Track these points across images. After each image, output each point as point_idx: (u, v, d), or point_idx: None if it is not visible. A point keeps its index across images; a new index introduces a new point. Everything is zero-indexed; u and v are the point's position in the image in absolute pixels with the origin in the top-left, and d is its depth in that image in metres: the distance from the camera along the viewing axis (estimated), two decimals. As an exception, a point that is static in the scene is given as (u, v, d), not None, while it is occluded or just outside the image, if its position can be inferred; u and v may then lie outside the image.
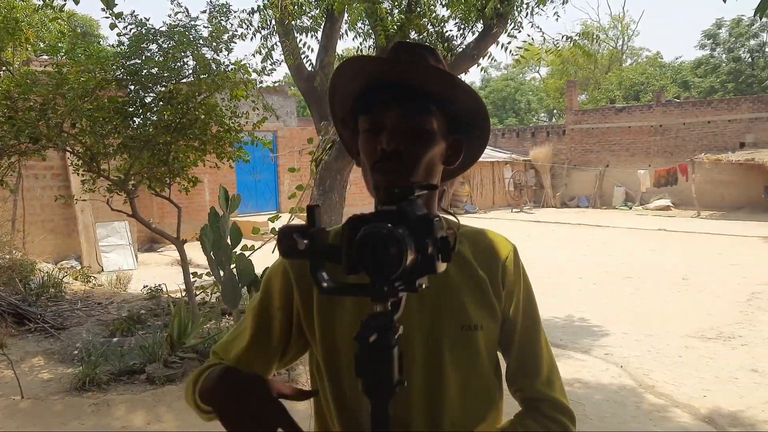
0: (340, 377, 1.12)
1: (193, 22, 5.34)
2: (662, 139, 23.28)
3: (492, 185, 25.47)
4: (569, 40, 5.64)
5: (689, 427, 4.88)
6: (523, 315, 1.19)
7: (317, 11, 6.41)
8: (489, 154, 26.34)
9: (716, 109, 22.09)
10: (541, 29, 5.76)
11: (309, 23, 6.55)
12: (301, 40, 6.25)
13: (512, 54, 5.74)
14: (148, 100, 5.58)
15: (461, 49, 5.53)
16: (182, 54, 5.22)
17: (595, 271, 11.27)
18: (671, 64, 39.01)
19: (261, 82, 6.61)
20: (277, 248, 0.90)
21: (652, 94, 28.68)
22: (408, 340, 1.04)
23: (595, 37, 5.86)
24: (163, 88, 5.45)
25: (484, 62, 6.13)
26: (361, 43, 5.69)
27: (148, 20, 5.42)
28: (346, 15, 6.16)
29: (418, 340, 1.10)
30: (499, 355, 1.24)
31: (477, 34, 5.65)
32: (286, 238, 0.87)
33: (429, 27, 5.64)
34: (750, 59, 31.38)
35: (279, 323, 1.19)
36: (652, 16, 64.69)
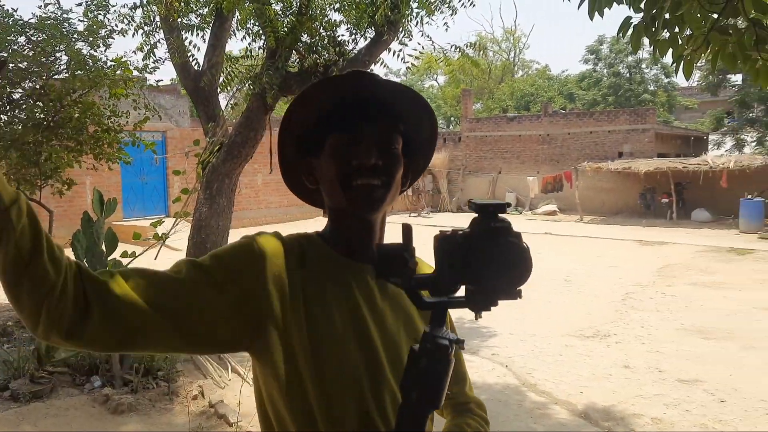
0: (328, 383, 1.05)
1: (66, 15, 5.00)
2: (549, 147, 24.49)
3: (390, 190, 25.77)
4: (458, 50, 5.78)
5: (566, 423, 5.12)
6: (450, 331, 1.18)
7: (206, 10, 6.21)
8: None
9: (597, 121, 23.53)
10: (431, 38, 5.87)
11: (197, 21, 6.33)
12: (187, 38, 6.03)
13: (404, 61, 5.81)
14: (15, 96, 5.17)
15: (353, 55, 5.54)
16: (54, 48, 4.87)
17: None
18: (558, 76, 41.18)
19: (146, 80, 6.31)
20: (377, 269, 0.95)
21: (540, 105, 30.13)
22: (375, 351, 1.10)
23: (482, 47, 6.03)
24: (33, 84, 5.06)
25: (377, 68, 6.18)
26: (249, 44, 5.56)
27: (15, 11, 5.03)
28: (236, 14, 6.00)
29: (389, 343, 1.13)
30: None
31: (369, 40, 5.67)
32: (395, 259, 0.93)
33: (321, 31, 5.60)
34: (628, 74, 33.66)
35: (224, 305, 1.01)
36: (542, 30, 68.13)
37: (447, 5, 5.42)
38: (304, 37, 5.49)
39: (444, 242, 0.95)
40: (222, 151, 5.64)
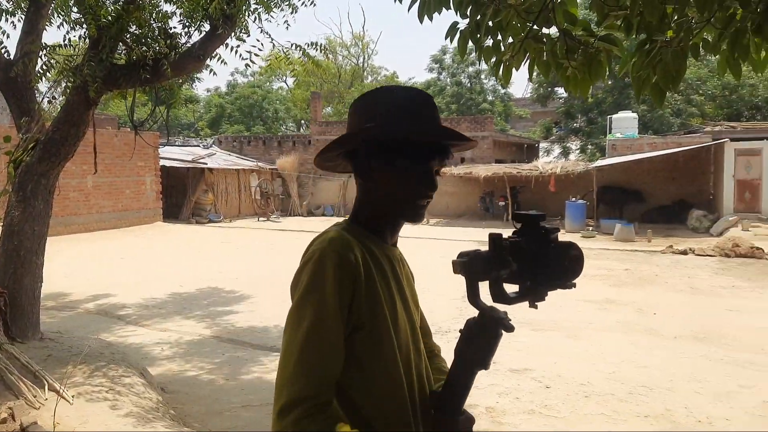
0: (394, 356, 1.36)
1: None
2: (397, 152, 25.20)
3: (238, 193, 25.09)
4: (299, 48, 5.69)
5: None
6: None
7: (19, -8, 5.60)
8: (234, 161, 25.95)
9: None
10: (270, 35, 5.72)
11: (9, 5, 5.69)
12: (-6, 23, 5.38)
13: (242, 58, 5.61)
14: None
15: (186, 49, 5.26)
16: None
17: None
18: (405, 84, 42.60)
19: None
20: (492, 296, 1.27)
21: (388, 110, 30.88)
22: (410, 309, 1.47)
23: (331, 50, 6.00)
24: None
25: (213, 64, 5.93)
26: (68, 32, 5.08)
27: None
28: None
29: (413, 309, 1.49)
30: None
31: (203, 33, 5.42)
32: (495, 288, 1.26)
33: (151, 22, 5.26)
34: (469, 84, 35.65)
35: (346, 319, 1.31)
36: (390, 37, 70.16)
37: (287, 2, 5.31)
38: (132, 28, 5.12)
39: (512, 248, 1.23)
40: (37, 149, 5.10)
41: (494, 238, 1.23)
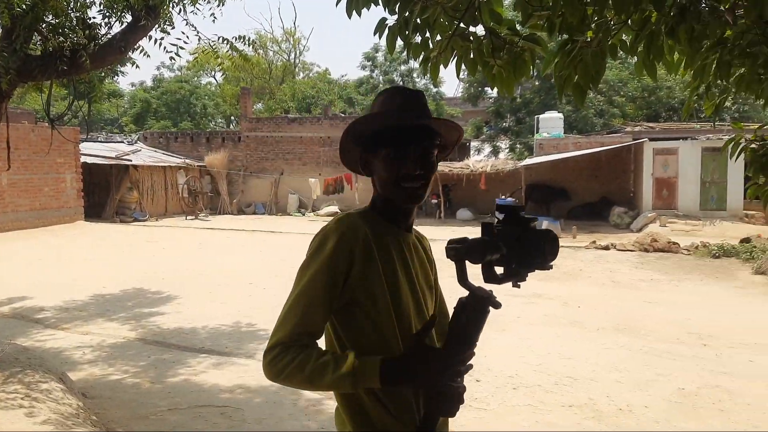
0: (403, 331, 1.55)
1: None
2: (330, 150, 25.08)
3: (164, 191, 24.35)
4: (226, 42, 5.56)
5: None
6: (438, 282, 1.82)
7: None
8: (160, 158, 25.19)
9: (374, 125, 24.68)
10: (195, 28, 5.56)
11: None
12: None
13: (166, 50, 5.43)
14: None
15: (106, 40, 5.04)
16: None
17: (265, 275, 11.50)
18: (338, 80, 42.47)
19: None
20: (484, 277, 1.42)
21: (321, 108, 30.75)
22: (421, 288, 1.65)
23: (252, 42, 5.89)
24: None
25: (137, 56, 5.72)
26: (-24, 20, 4.77)
27: None
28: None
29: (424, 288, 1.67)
30: None
31: (125, 24, 5.21)
32: (488, 270, 1.42)
33: (69, 11, 5.02)
34: (402, 82, 35.87)
35: (339, 288, 1.53)
36: (322, 34, 69.79)
37: (213, -5, 5.18)
38: (49, 17, 4.87)
39: (500, 234, 1.41)
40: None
41: (487, 226, 1.42)
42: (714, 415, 5.19)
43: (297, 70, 47.43)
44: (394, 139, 1.53)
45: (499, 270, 1.45)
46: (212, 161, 25.71)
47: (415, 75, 35.84)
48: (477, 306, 1.42)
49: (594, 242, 15.44)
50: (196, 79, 45.78)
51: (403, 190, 1.55)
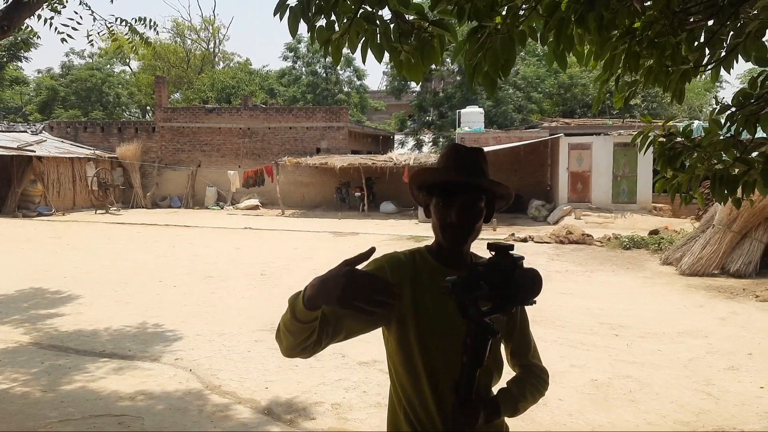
0: (434, 354, 1.77)
1: None
2: (250, 141, 24.46)
3: (72, 184, 23.05)
4: (124, 23, 5.15)
5: (248, 422, 4.94)
6: (520, 317, 1.95)
7: None
8: (68, 149, 23.82)
9: (296, 117, 24.24)
10: (90, 8, 5.12)
11: None
12: None
13: (58, 32, 4.98)
14: None
15: (-16, 17, 4.54)
16: None
17: (177, 272, 11.00)
18: (259, 71, 41.53)
19: None
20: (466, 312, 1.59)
21: (241, 99, 29.96)
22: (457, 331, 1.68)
23: (153, 24, 5.48)
24: None
25: (45, 40, 5.19)
26: None
27: None
28: None
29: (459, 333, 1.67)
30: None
31: (9, 2, 4.72)
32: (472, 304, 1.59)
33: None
34: (324, 74, 35.47)
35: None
36: (243, 23, 68.11)
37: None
38: None
39: (487, 273, 1.56)
40: None
41: (471, 269, 1.57)
42: (624, 406, 5.27)
43: (217, 59, 46.11)
44: (443, 191, 1.78)
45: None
46: (124, 152, 24.54)
47: (338, 68, 35.52)
48: (478, 334, 1.58)
49: (513, 235, 15.72)
50: (108, 66, 43.68)
51: (445, 232, 1.79)
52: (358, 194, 22.06)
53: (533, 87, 27.66)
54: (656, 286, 10.21)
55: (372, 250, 1.56)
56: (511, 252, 1.58)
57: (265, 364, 6.29)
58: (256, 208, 23.37)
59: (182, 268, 11.47)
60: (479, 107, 24.26)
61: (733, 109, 2.74)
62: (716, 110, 2.72)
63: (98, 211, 22.24)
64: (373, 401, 5.32)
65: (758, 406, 5.27)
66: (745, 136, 2.72)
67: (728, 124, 2.74)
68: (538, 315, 8.11)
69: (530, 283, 1.57)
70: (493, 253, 1.58)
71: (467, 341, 1.58)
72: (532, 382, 1.99)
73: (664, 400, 5.40)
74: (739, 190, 2.83)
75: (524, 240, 15.19)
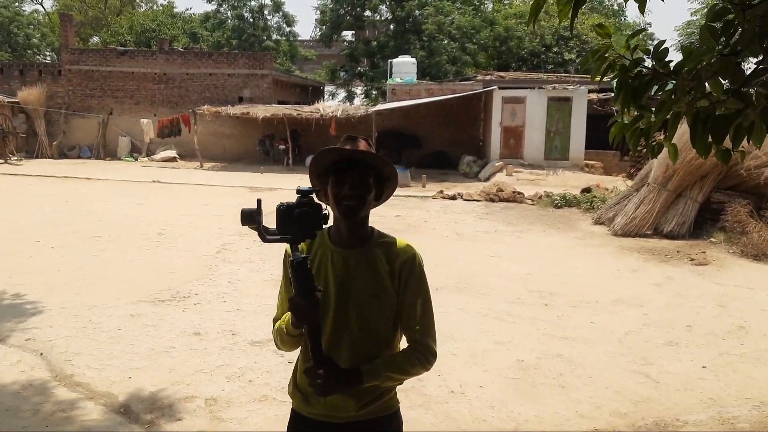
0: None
1: None
2: (167, 88, 22.62)
3: (-36, 131, 20.77)
4: None
5: (95, 426, 3.91)
6: (408, 293, 1.99)
7: None
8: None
9: (217, 63, 22.48)
10: None
11: None
12: None
13: None
14: None
15: None
16: None
17: (60, 231, 9.65)
18: (182, 14, 38.79)
19: None
20: (241, 220, 1.80)
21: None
22: (328, 282, 1.95)
23: None
24: None
25: None
26: None
27: None
28: None
29: (336, 284, 1.95)
30: None
31: None
32: (246, 215, 1.79)
33: None
34: (252, 20, 33.36)
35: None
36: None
37: None
38: None
39: (280, 210, 1.77)
40: None
41: (258, 200, 1.84)
42: (554, 394, 4.53)
43: (138, 1, 42.89)
44: (336, 169, 1.91)
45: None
46: (27, 97, 22.27)
47: (266, 12, 33.48)
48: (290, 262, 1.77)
49: (441, 192, 14.94)
50: (17, 4, 39.92)
51: (341, 206, 1.91)
52: (282, 147, 20.76)
53: (468, 38, 26.66)
54: (588, 247, 9.63)
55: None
56: (310, 194, 1.78)
57: (136, 345, 5.23)
58: (173, 160, 21.72)
59: (69, 226, 10.11)
60: (411, 57, 23.15)
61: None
62: (713, 7, 1.80)
63: (-5, 161, 20.12)
64: (259, 393, 4.38)
65: (701, 390, 4.63)
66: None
67: (723, 37, 1.85)
68: (463, 282, 7.34)
69: (299, 219, 1.74)
70: (298, 195, 1.78)
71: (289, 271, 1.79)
72: (409, 357, 1.98)
73: (599, 385, 4.70)
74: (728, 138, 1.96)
75: (453, 197, 14.45)
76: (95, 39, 39.12)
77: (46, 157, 22.18)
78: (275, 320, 2.06)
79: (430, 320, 2.00)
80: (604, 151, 19.08)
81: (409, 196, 14.98)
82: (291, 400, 2.08)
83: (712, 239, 9.77)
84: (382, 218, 11.69)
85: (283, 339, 1.97)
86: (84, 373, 4.67)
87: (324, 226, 1.83)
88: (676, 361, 5.20)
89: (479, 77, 21.84)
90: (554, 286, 7.31)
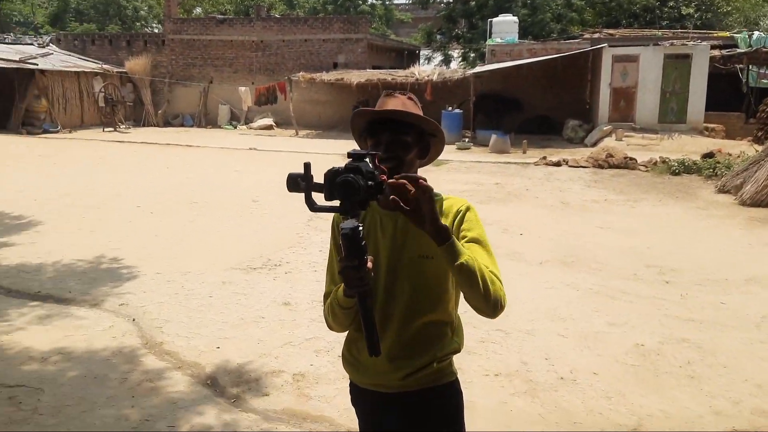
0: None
1: None
2: (263, 55, 22.77)
3: (79, 100, 21.85)
4: None
5: (181, 398, 3.75)
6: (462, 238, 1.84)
7: None
8: (75, 63, 22.51)
9: (312, 28, 22.31)
10: None
11: None
12: None
13: None
14: None
15: None
16: None
17: (160, 197, 9.79)
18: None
19: None
20: (286, 186, 1.59)
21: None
22: (378, 248, 1.85)
23: None
24: None
25: None
26: None
27: None
28: None
29: (386, 250, 1.85)
30: None
31: None
32: (291, 180, 1.57)
33: None
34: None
35: None
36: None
37: None
38: None
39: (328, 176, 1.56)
40: None
41: (305, 164, 1.61)
42: (682, 385, 3.94)
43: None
44: (371, 131, 1.86)
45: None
46: (133, 67, 23.14)
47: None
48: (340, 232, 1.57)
49: (544, 158, 14.09)
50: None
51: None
52: (378, 113, 20.37)
53: (575, -7, 24.98)
54: (712, 218, 8.66)
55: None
56: (365, 158, 1.58)
57: (226, 313, 5.08)
58: (270, 128, 21.93)
59: (168, 192, 10.27)
60: (513, 16, 21.98)
61: None
62: None
63: (106, 129, 21.10)
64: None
65: None
66: None
67: None
68: (570, 255, 6.73)
69: (342, 187, 1.53)
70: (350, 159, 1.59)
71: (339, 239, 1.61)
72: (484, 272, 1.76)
73: (735, 377, 4.05)
74: None
75: (557, 164, 13.58)
76: (198, 10, 40.14)
77: (152, 126, 23.03)
78: (326, 296, 1.93)
79: (493, 264, 1.82)
80: (727, 113, 17.38)
81: (509, 162, 14.26)
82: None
83: None
84: (480, 186, 11.13)
85: (335, 314, 1.86)
86: (173, 342, 4.55)
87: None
88: (829, 352, 4.43)
89: (586, 35, 20.43)
90: (675, 261, 6.55)
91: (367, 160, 1.57)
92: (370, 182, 1.53)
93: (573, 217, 8.74)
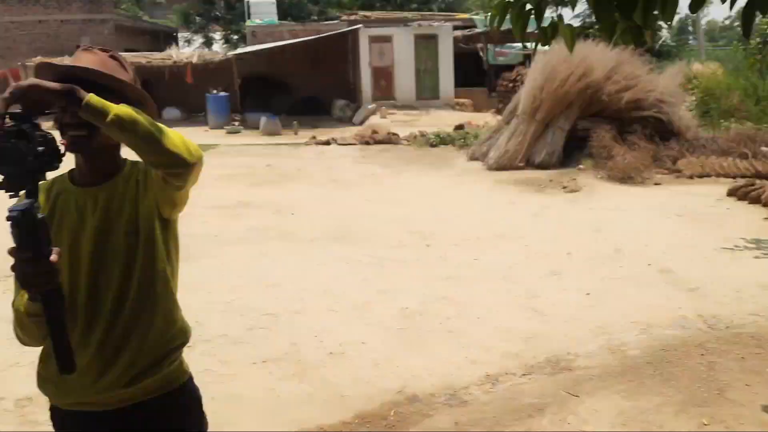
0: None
1: None
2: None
3: None
4: None
5: None
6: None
7: None
8: None
9: (46, 8, 19.90)
10: None
11: None
12: None
13: None
14: None
15: None
16: None
17: None
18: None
19: None
20: None
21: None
22: (78, 235, 1.55)
23: None
24: None
25: None
26: None
27: None
28: None
29: (88, 236, 1.54)
30: None
31: None
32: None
33: None
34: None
35: None
36: None
37: None
38: None
39: None
40: None
41: None
42: (442, 340, 4.16)
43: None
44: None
45: None
46: None
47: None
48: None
49: (314, 138, 14.25)
50: None
51: (65, 137, 1.49)
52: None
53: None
54: (465, 184, 9.43)
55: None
56: (27, 121, 1.26)
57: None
58: None
59: None
60: (271, -4, 21.77)
61: None
62: None
63: None
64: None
65: (589, 319, 4.44)
66: None
67: None
68: (341, 230, 6.83)
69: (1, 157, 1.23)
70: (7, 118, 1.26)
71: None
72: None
73: (487, 326, 4.39)
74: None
75: (327, 143, 13.82)
76: None
77: None
78: (14, 304, 1.53)
79: None
80: (473, 89, 19.12)
81: (281, 144, 14.18)
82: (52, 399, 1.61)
83: (581, 166, 9.89)
84: (251, 168, 10.88)
85: (23, 325, 1.51)
86: None
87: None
88: (562, 290, 5.02)
89: (344, 17, 21.01)
90: (435, 225, 6.99)
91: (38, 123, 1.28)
92: (40, 148, 1.25)
93: (343, 192, 8.92)
